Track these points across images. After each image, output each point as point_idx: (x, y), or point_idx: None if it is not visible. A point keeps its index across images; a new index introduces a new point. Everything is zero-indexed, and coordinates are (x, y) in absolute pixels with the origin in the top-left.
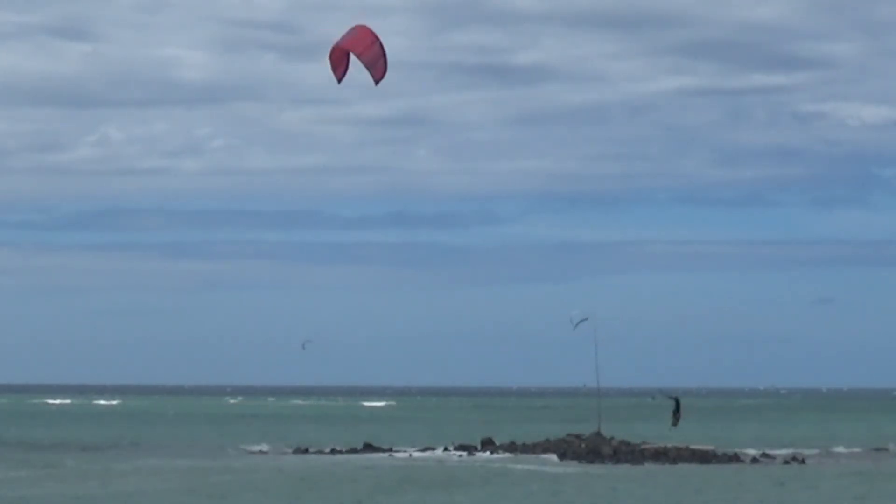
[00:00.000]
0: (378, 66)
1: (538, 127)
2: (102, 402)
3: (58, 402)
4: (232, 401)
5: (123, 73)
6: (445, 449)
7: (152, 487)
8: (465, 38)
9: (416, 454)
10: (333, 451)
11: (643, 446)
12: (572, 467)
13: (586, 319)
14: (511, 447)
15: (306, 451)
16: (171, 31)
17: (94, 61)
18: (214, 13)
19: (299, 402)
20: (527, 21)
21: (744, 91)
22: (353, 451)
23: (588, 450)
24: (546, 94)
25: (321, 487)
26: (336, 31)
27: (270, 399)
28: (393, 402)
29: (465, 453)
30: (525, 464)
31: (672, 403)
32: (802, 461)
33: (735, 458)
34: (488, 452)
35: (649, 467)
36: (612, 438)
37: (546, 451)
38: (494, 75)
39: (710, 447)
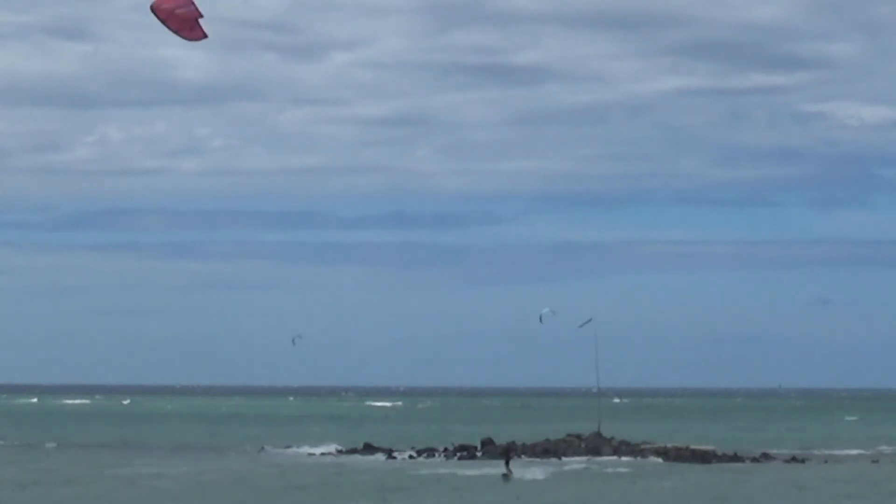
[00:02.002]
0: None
1: (538, 127)
2: (106, 400)
3: (73, 402)
4: (231, 401)
5: (123, 73)
6: (445, 449)
7: (142, 488)
8: (465, 38)
9: (415, 455)
10: (339, 452)
11: (643, 446)
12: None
13: (591, 320)
14: (511, 447)
15: (307, 450)
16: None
17: (94, 61)
18: (214, 13)
19: (295, 401)
20: (527, 21)
21: (744, 91)
22: (354, 451)
23: (589, 450)
24: (546, 94)
25: (303, 488)
26: (336, 32)
27: (271, 399)
28: (399, 403)
29: (464, 453)
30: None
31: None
32: (802, 461)
33: (735, 458)
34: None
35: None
36: (612, 438)
37: (546, 451)
38: (494, 75)
39: (710, 447)
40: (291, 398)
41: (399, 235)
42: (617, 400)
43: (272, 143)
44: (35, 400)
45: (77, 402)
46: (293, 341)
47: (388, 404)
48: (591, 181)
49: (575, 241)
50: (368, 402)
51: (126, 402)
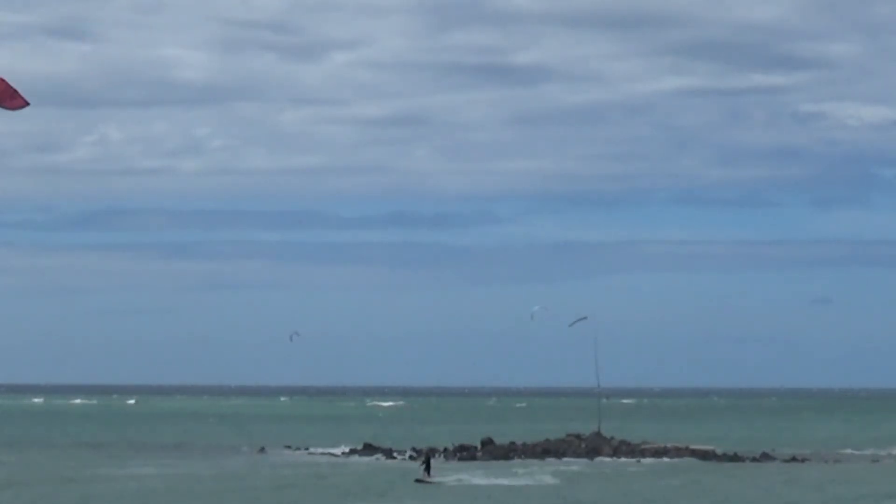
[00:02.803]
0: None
1: (538, 127)
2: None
3: (75, 402)
4: (231, 401)
5: (123, 73)
6: (445, 449)
7: (141, 488)
8: (464, 38)
9: (415, 455)
10: (339, 452)
11: (643, 446)
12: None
13: (585, 319)
14: (511, 447)
15: (307, 450)
16: (171, 31)
17: (94, 61)
18: (214, 13)
19: (294, 401)
20: (526, 21)
21: (743, 91)
22: (353, 451)
23: (588, 450)
24: (546, 94)
25: (303, 488)
26: (336, 32)
27: (271, 399)
28: (399, 403)
29: (464, 454)
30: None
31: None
32: (802, 461)
33: (735, 458)
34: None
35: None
36: (612, 438)
37: (546, 451)
38: (494, 75)
39: (710, 447)
40: (284, 398)
41: (399, 235)
42: (605, 400)
43: (272, 143)
44: (40, 400)
45: (80, 402)
46: (290, 338)
47: (388, 404)
48: (591, 181)
49: (575, 241)
50: (369, 402)
51: (131, 401)
